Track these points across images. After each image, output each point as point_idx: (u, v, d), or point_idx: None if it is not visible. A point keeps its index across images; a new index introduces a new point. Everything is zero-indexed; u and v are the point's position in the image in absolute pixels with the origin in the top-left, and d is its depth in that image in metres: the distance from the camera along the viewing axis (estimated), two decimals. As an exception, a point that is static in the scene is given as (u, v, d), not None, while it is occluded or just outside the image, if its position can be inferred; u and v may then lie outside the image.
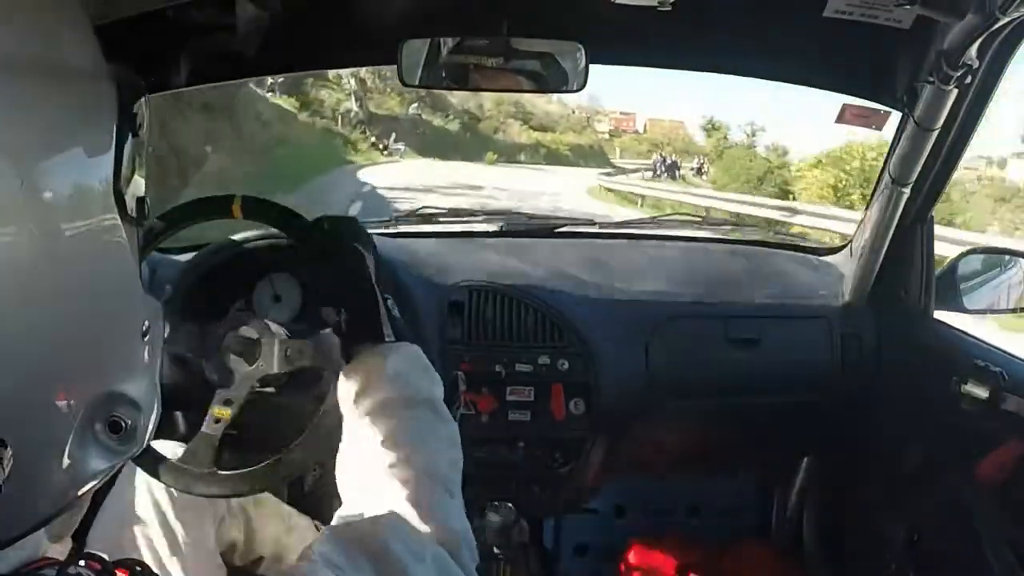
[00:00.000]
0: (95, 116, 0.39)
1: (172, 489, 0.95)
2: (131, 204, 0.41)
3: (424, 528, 0.62)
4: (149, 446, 0.90)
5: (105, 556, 0.47)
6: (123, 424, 0.40)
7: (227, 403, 0.96)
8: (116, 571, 0.45)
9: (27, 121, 0.35)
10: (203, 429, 0.94)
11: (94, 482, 0.41)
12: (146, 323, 0.42)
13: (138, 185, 0.42)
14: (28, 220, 0.34)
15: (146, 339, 0.43)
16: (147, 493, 0.97)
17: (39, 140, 0.35)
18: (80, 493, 0.40)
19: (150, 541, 0.98)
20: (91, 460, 0.39)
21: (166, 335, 1.05)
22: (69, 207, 0.36)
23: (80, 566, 0.44)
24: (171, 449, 0.96)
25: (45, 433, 0.37)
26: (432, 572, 0.56)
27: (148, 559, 0.96)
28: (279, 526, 1.21)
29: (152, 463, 0.90)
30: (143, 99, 0.43)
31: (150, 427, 0.42)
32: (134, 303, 0.41)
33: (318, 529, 1.19)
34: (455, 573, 0.59)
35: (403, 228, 1.66)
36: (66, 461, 0.38)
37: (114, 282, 0.40)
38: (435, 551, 0.58)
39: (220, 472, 0.92)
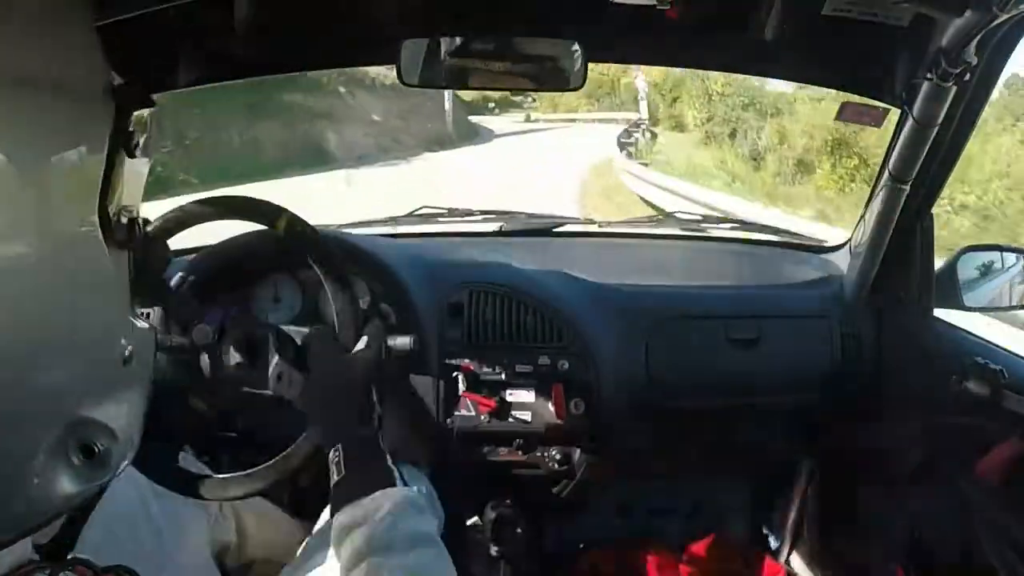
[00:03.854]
0: (87, 134, 0.37)
1: (162, 490, 0.93)
2: (120, 225, 0.38)
3: None
4: (164, 455, 0.90)
5: (92, 560, 0.46)
6: (96, 449, 0.38)
7: (209, 397, 0.96)
8: None
9: (14, 137, 0.33)
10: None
11: (64, 505, 0.39)
12: (128, 349, 0.39)
13: (130, 206, 0.39)
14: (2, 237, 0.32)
15: (128, 366, 0.40)
16: (136, 494, 0.95)
17: (27, 155, 0.33)
18: (49, 517, 0.39)
19: (140, 543, 0.95)
20: (61, 481, 0.38)
21: (168, 337, 1.05)
22: (46, 226, 0.34)
23: (69, 571, 0.43)
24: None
25: (14, 449, 0.36)
26: None
27: (139, 561, 0.95)
28: (269, 528, 1.20)
29: (157, 471, 0.90)
30: (148, 118, 0.40)
31: (126, 457, 0.40)
32: (112, 328, 0.39)
33: (307, 532, 1.19)
34: None
35: (403, 228, 1.66)
36: (35, 480, 0.37)
37: (90, 305, 0.37)
38: None
39: (220, 476, 0.91)
